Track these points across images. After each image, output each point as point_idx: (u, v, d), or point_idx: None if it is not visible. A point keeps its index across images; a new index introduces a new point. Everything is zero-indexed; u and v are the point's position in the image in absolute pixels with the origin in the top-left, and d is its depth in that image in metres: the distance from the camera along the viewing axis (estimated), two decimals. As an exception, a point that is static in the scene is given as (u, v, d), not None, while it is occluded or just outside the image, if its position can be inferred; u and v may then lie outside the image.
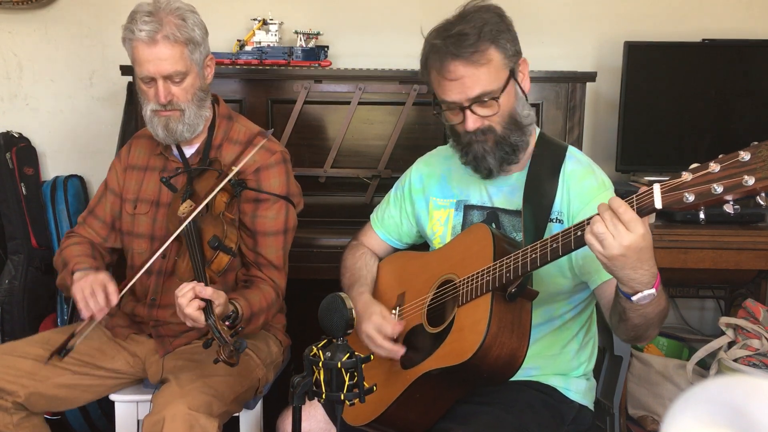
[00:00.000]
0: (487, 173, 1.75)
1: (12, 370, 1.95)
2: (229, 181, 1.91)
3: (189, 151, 2.10)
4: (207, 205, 1.90)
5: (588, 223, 1.39)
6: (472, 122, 1.68)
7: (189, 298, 1.71)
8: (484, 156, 1.71)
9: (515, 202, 1.78)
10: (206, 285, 1.76)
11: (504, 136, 1.70)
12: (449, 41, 1.65)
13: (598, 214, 1.37)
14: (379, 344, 1.75)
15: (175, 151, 2.10)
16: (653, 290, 1.42)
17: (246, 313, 1.88)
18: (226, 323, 1.79)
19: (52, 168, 3.13)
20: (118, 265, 2.28)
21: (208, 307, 1.72)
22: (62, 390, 2.00)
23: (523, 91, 1.74)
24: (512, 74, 1.70)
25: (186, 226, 1.86)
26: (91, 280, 1.88)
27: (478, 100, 1.66)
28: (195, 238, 1.85)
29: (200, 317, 1.71)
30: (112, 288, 1.87)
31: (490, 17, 1.68)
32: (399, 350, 1.74)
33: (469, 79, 1.65)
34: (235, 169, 1.91)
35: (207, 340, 1.75)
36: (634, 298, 1.43)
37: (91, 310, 1.85)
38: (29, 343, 2.04)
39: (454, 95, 1.68)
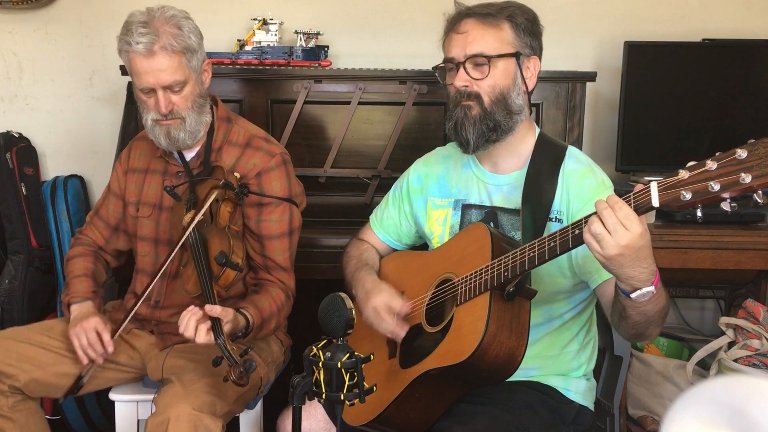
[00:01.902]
0: (464, 145, 1.76)
1: (13, 355, 1.97)
2: (233, 189, 1.91)
3: (189, 155, 2.10)
4: (212, 216, 1.91)
5: (586, 222, 1.39)
6: (460, 79, 1.73)
7: (192, 328, 1.73)
8: (463, 123, 1.73)
9: (514, 201, 1.78)
10: (214, 301, 1.78)
11: (490, 111, 1.72)
12: (471, 7, 1.76)
13: (595, 213, 1.37)
14: (384, 318, 1.74)
15: (175, 154, 2.10)
16: (652, 288, 1.42)
17: (257, 321, 1.89)
18: (237, 344, 1.80)
19: (52, 168, 3.13)
20: (126, 267, 2.30)
21: (216, 325, 1.74)
22: (62, 378, 2.01)
23: (524, 83, 1.76)
24: (517, 57, 1.74)
25: (191, 237, 1.87)
26: (85, 328, 1.96)
27: (474, 57, 1.71)
28: (201, 253, 1.86)
29: (210, 339, 1.73)
30: (106, 337, 1.96)
31: (517, 7, 1.76)
32: (401, 330, 1.74)
33: (473, 35, 1.72)
34: (222, 181, 1.92)
35: (216, 358, 1.76)
36: (633, 295, 1.43)
37: (90, 357, 1.96)
38: (32, 330, 2.07)
39: (455, 49, 1.74)
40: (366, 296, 1.80)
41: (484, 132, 1.73)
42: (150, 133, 2.02)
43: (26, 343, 2.00)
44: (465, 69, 1.72)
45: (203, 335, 1.73)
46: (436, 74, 1.83)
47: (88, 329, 1.95)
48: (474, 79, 1.72)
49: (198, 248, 1.86)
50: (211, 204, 1.91)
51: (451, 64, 1.76)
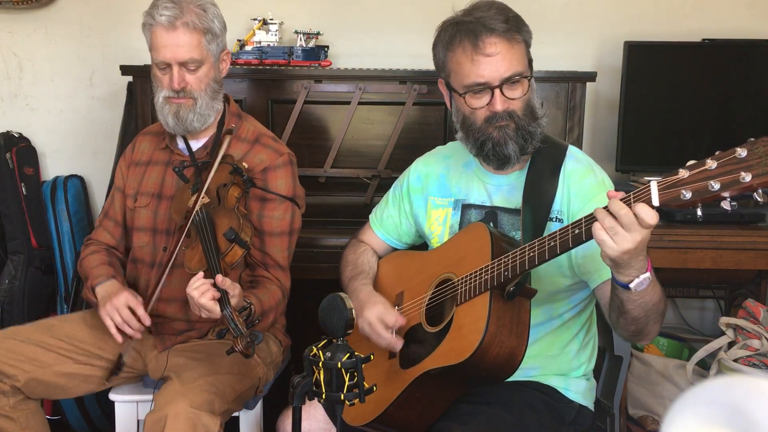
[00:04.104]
0: (502, 161, 1.74)
1: (14, 355, 1.97)
2: (241, 175, 1.93)
3: (196, 145, 2.11)
4: (219, 199, 1.92)
5: (586, 221, 1.39)
6: (501, 103, 1.69)
7: (202, 291, 1.72)
8: (506, 141, 1.70)
9: (514, 200, 1.78)
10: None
11: (524, 124, 1.71)
12: (483, 19, 1.67)
13: (606, 208, 1.36)
14: (380, 333, 1.74)
15: (181, 144, 2.11)
16: (647, 273, 1.42)
17: (258, 311, 1.89)
18: (243, 316, 1.79)
19: (52, 168, 3.13)
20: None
21: (223, 297, 1.74)
22: (62, 378, 2.01)
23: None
24: (530, 64, 1.74)
25: (198, 217, 1.87)
26: (117, 306, 1.92)
27: (510, 79, 1.67)
28: (209, 230, 1.86)
29: (215, 308, 1.73)
30: (141, 311, 1.92)
31: (510, 9, 1.72)
32: (397, 342, 1.73)
33: (505, 57, 1.67)
34: (220, 155, 1.93)
35: (221, 330, 1.76)
36: (632, 285, 1.42)
37: (128, 335, 1.93)
38: (32, 329, 2.06)
39: (488, 72, 1.67)
40: (360, 308, 1.78)
41: (523, 146, 1.72)
42: (159, 113, 2.04)
43: (27, 343, 2.00)
44: (502, 91, 1.68)
45: (208, 298, 1.72)
46: (453, 102, 1.78)
47: (119, 307, 1.92)
48: (511, 99, 1.70)
49: (206, 226, 1.86)
50: (218, 188, 1.93)
51: (479, 87, 1.69)
